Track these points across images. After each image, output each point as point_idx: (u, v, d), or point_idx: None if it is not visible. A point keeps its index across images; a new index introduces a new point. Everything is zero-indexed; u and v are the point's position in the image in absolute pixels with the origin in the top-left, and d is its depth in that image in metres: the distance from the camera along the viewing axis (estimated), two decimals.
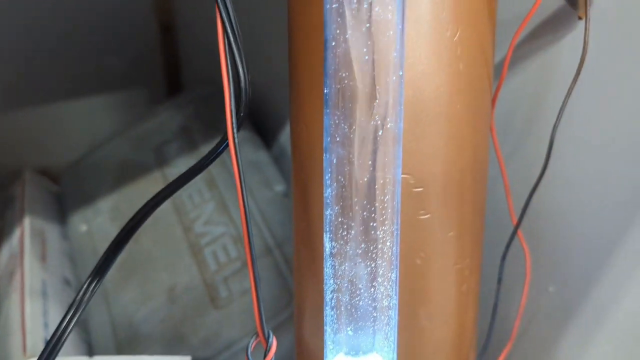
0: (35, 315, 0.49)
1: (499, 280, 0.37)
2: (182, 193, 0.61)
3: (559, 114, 0.33)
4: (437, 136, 0.29)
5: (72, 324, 0.28)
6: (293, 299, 0.39)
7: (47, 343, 0.28)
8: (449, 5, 0.28)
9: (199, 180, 0.62)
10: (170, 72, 0.95)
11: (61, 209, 0.68)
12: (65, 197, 0.69)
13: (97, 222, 0.62)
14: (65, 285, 0.57)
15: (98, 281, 0.29)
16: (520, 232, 0.37)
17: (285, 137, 0.69)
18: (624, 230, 0.36)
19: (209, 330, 0.51)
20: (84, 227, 0.63)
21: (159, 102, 0.85)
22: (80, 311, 0.28)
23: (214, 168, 0.63)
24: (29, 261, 0.54)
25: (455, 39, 0.29)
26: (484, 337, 0.39)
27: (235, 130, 0.26)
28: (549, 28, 0.36)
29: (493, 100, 0.33)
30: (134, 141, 0.68)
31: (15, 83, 0.81)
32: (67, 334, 0.29)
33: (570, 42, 0.35)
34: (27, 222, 0.59)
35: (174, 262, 0.57)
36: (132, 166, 0.66)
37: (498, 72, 0.35)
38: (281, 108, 0.69)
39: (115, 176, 0.66)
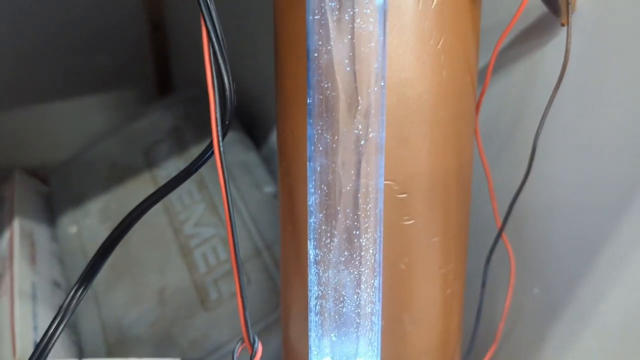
0: (25, 318, 0.49)
1: (483, 284, 0.37)
2: (172, 194, 0.61)
3: (542, 119, 0.34)
4: (421, 142, 0.30)
5: (60, 329, 0.29)
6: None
7: (36, 348, 0.29)
8: (432, 15, 0.28)
9: (188, 181, 0.62)
10: (161, 71, 0.95)
11: (51, 210, 0.68)
12: (54, 198, 0.69)
13: (87, 224, 0.63)
14: (54, 287, 0.57)
15: (85, 287, 0.29)
16: (504, 235, 0.37)
17: (275, 138, 0.70)
18: (606, 232, 0.36)
19: (198, 332, 0.51)
20: (73, 229, 0.63)
21: (149, 102, 0.85)
22: (68, 317, 0.29)
23: (204, 169, 0.63)
24: (19, 263, 0.54)
25: (438, 47, 0.29)
26: (468, 339, 0.40)
27: (220, 138, 0.26)
28: (533, 34, 0.36)
29: (477, 106, 0.34)
30: (124, 142, 0.69)
31: (4, 83, 0.81)
32: (55, 338, 0.29)
33: (553, 48, 0.35)
34: (16, 224, 0.59)
35: (164, 264, 0.57)
36: (121, 167, 0.66)
37: (483, 78, 0.35)
38: (271, 110, 0.69)
39: (105, 177, 0.66)
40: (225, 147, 0.71)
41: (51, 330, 0.29)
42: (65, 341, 0.53)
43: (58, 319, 0.28)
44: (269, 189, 0.60)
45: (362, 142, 0.24)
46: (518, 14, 0.32)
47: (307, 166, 0.25)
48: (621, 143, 0.34)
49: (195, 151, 0.64)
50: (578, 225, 0.38)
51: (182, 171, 0.28)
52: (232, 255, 0.24)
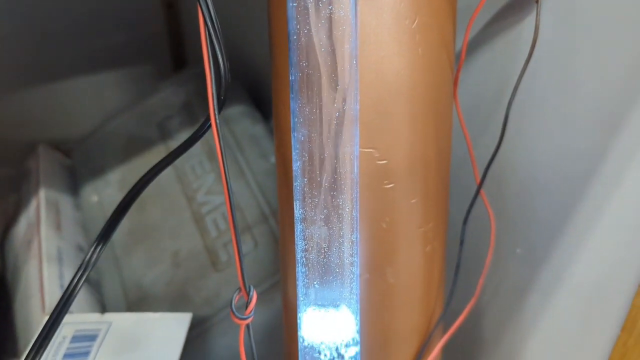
0: (52, 278, 0.54)
1: (461, 242, 0.40)
2: (185, 165, 0.65)
3: (514, 90, 0.36)
4: (399, 115, 0.33)
5: (82, 281, 0.33)
6: None
7: (60, 298, 0.33)
8: None
9: (200, 153, 0.66)
10: (175, 48, 0.98)
11: (73, 181, 0.72)
12: (76, 170, 0.73)
13: (107, 193, 0.67)
14: (78, 251, 0.62)
15: (104, 244, 0.33)
16: (485, 197, 0.41)
17: None
18: (579, 196, 0.39)
19: (210, 291, 0.55)
20: (94, 198, 0.67)
21: (164, 78, 0.88)
22: (88, 270, 0.33)
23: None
24: (45, 229, 0.59)
25: (413, 26, 0.32)
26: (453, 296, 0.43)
27: (217, 112, 0.29)
28: (510, 12, 0.39)
29: (455, 79, 0.37)
30: (139, 117, 0.72)
31: (26, 63, 0.85)
32: (77, 290, 0.33)
33: (529, 25, 0.38)
34: (42, 193, 0.64)
35: (178, 230, 0.61)
36: (137, 140, 0.70)
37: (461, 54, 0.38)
38: None
39: (123, 150, 0.70)
40: (235, 120, 0.74)
41: (74, 282, 0.33)
42: (89, 299, 0.58)
43: (81, 271, 0.32)
44: (275, 159, 0.63)
45: (337, 114, 0.27)
46: None
47: (291, 136, 0.28)
48: (591, 111, 0.37)
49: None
50: (554, 190, 0.41)
51: (187, 139, 0.31)
52: (228, 206, 0.28)
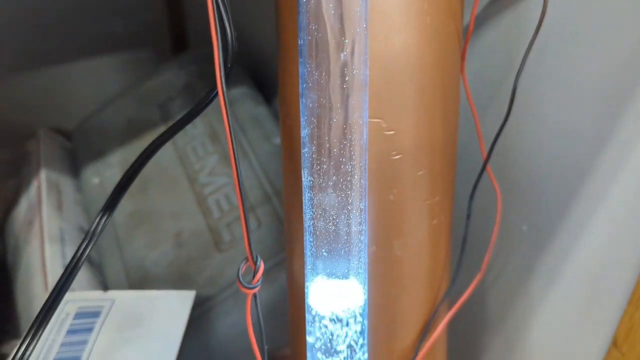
0: (55, 258, 0.53)
1: (468, 216, 0.40)
2: (187, 146, 0.65)
3: (521, 63, 0.36)
4: (407, 84, 0.33)
5: (87, 253, 0.32)
6: None
7: (65, 269, 0.33)
8: None
9: (202, 134, 0.65)
10: (176, 32, 0.97)
11: (74, 163, 0.72)
12: (77, 152, 0.73)
13: (108, 175, 0.67)
14: (80, 232, 0.61)
15: (109, 215, 0.32)
16: (491, 172, 0.40)
17: None
18: (585, 171, 0.39)
19: (213, 270, 0.55)
20: (96, 180, 0.67)
21: (165, 61, 0.88)
22: (93, 242, 0.32)
23: (216, 123, 0.66)
24: (47, 210, 0.58)
25: None
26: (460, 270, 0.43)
27: (223, 77, 0.29)
28: None
29: (463, 52, 0.36)
30: (140, 99, 0.72)
31: (28, 47, 0.85)
32: (82, 261, 0.33)
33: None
34: (43, 175, 0.63)
35: (180, 211, 0.61)
36: (138, 122, 0.69)
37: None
38: None
39: (124, 132, 0.69)
40: (238, 101, 0.74)
41: (79, 253, 0.32)
42: (92, 281, 0.58)
43: (85, 242, 0.32)
44: (277, 140, 0.63)
45: (347, 79, 0.27)
46: None
47: (300, 102, 0.28)
48: (600, 85, 0.36)
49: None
50: (562, 166, 0.41)
51: (190, 110, 0.31)
52: (236, 180, 0.27)
